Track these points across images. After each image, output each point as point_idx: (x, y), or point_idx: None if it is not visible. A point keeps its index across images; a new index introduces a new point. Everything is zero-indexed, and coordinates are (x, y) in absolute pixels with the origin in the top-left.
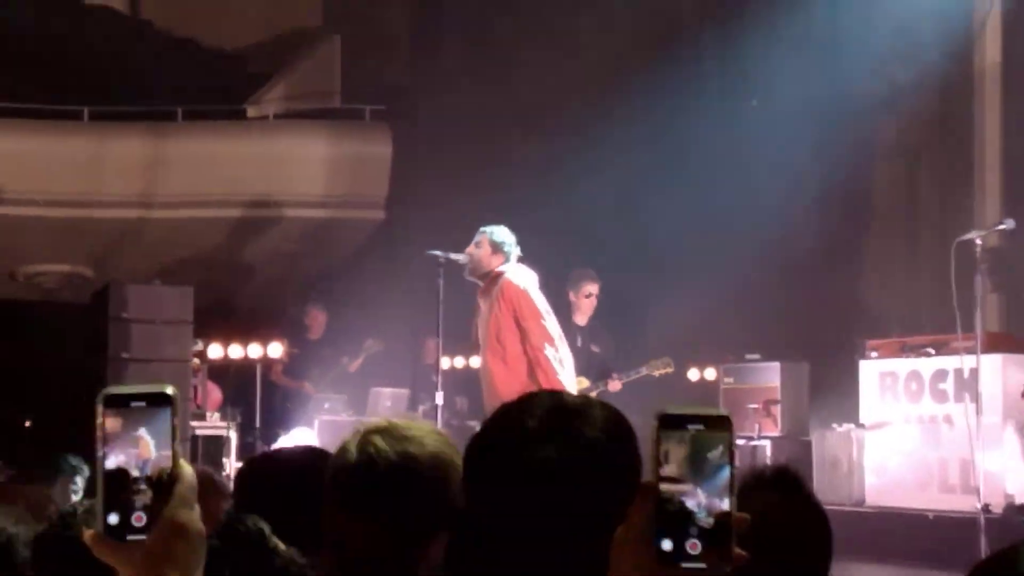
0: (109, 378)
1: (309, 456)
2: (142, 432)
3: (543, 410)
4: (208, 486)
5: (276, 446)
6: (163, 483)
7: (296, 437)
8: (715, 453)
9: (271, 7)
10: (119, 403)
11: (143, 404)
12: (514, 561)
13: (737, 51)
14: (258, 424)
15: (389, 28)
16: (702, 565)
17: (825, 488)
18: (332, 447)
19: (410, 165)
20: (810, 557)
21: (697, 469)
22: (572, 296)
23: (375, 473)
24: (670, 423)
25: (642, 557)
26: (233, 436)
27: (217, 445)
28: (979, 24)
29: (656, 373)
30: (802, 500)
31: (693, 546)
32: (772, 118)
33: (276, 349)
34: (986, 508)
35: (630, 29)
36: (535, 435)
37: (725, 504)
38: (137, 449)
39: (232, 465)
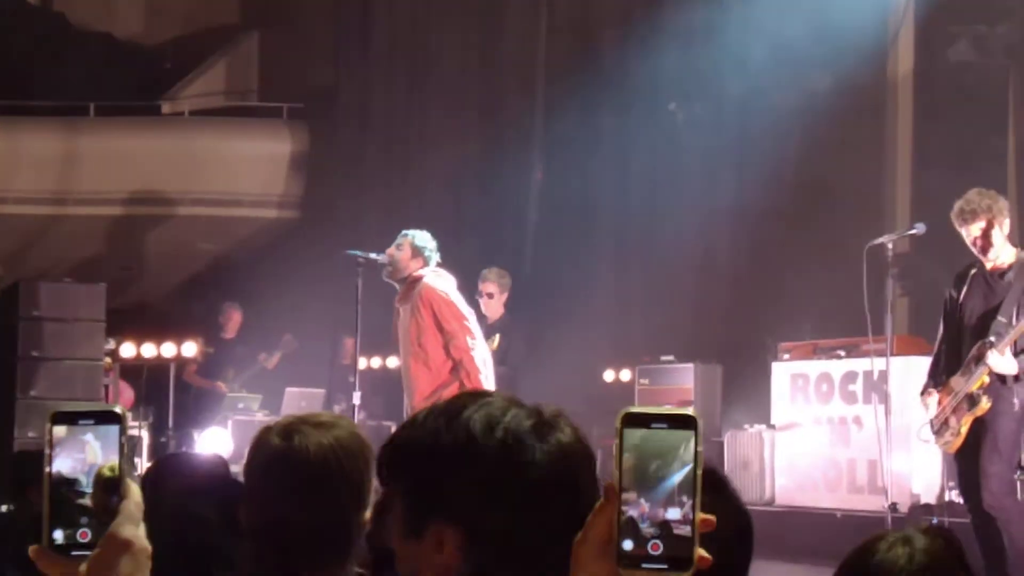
0: (19, 378)
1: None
2: (89, 438)
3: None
4: None
5: (191, 446)
6: (110, 500)
7: (210, 437)
8: (670, 456)
9: (189, 2)
10: (67, 421)
11: (91, 422)
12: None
13: (656, 56)
14: (171, 424)
15: (309, 27)
16: (664, 566)
17: (736, 488)
18: (246, 447)
19: (328, 165)
20: (733, 554)
21: (643, 476)
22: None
23: (311, 460)
24: (633, 422)
25: (605, 557)
26: (145, 436)
27: (128, 445)
28: (893, 33)
29: None
30: (727, 499)
31: (655, 547)
32: (689, 122)
33: (190, 348)
34: (893, 507)
35: (551, 34)
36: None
37: (674, 512)
38: (84, 455)
39: (144, 466)
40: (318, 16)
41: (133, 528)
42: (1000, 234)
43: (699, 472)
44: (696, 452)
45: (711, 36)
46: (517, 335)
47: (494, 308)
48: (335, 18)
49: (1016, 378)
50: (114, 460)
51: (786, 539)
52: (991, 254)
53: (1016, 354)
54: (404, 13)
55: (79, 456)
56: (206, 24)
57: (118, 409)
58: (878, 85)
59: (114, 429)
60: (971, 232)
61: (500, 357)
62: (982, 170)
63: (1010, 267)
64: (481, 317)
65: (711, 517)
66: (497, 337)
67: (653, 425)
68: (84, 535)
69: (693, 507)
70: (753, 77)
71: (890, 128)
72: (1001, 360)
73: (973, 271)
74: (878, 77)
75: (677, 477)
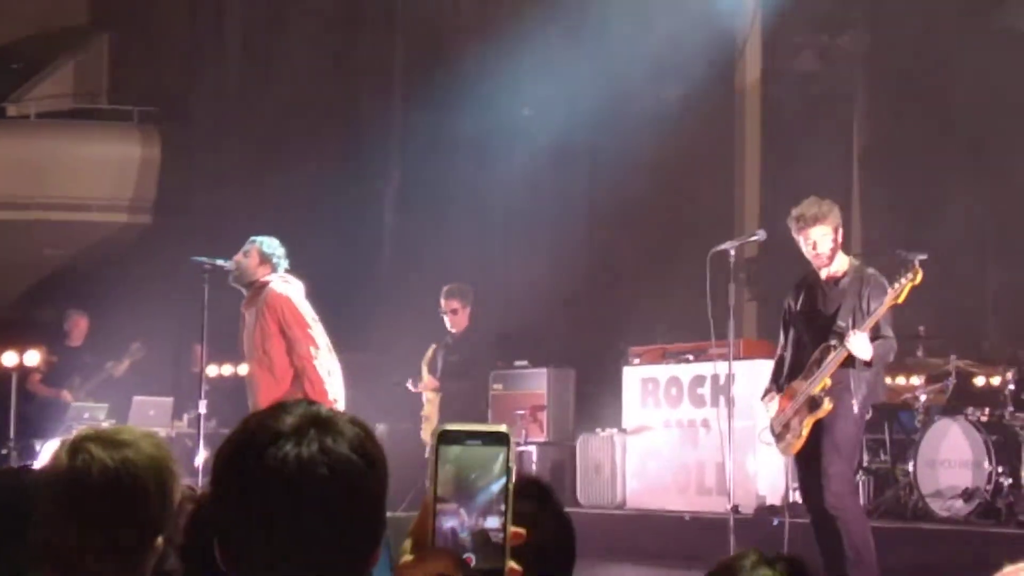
0: None
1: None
2: None
3: (296, 415)
4: None
5: (33, 457)
6: None
7: (53, 448)
8: (486, 469)
9: (37, 2)
10: None
11: None
12: (261, 566)
13: (512, 60)
14: (12, 435)
15: (161, 28)
16: None
17: (588, 492)
18: None
19: (180, 169)
20: (553, 562)
21: (464, 488)
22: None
23: (92, 481)
24: (448, 439)
25: (421, 571)
26: None
27: None
28: (741, 43)
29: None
30: (548, 509)
31: (469, 560)
32: (543, 127)
33: (33, 357)
34: (735, 509)
35: (407, 36)
36: (287, 436)
37: (493, 521)
38: None
39: None
40: (170, 18)
41: None
42: (836, 241)
43: (511, 486)
44: (508, 466)
45: (567, 43)
46: (480, 348)
47: (459, 322)
48: (188, 20)
49: (868, 364)
50: None
51: (636, 542)
52: (826, 260)
53: (872, 340)
54: (258, 15)
55: None
56: (55, 25)
57: None
58: (727, 94)
59: None
60: (811, 236)
61: (454, 373)
62: (828, 178)
63: (844, 274)
64: (447, 332)
65: (521, 530)
66: (432, 349)
67: (467, 442)
68: None
69: (505, 520)
70: (606, 84)
71: (738, 136)
72: (859, 341)
73: (810, 281)
74: (727, 86)
75: (495, 488)
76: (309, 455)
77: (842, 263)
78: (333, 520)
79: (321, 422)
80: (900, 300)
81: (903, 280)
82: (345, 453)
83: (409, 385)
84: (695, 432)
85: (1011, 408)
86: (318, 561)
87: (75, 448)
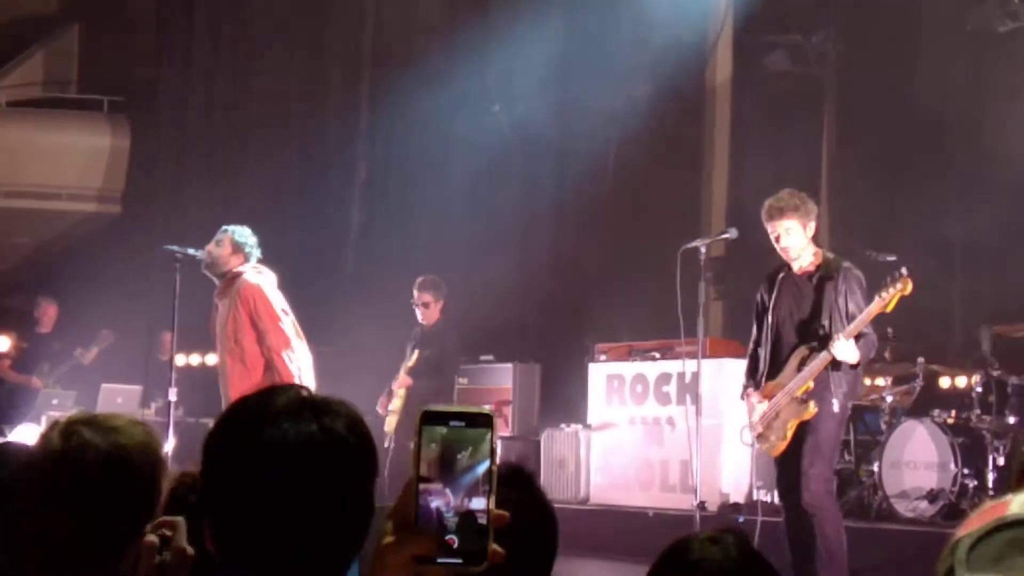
0: None
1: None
2: None
3: (290, 396)
4: None
5: None
6: None
7: (21, 433)
8: (471, 451)
9: None
10: None
11: None
12: (254, 544)
13: (481, 57)
14: None
15: (131, 19)
16: (458, 560)
17: (552, 487)
18: None
19: (150, 159)
20: (537, 549)
21: (449, 468)
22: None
23: (84, 464)
24: (432, 420)
25: (403, 551)
26: None
27: None
28: (712, 42)
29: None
30: (532, 496)
31: (451, 541)
32: (512, 124)
33: (3, 343)
34: (701, 506)
35: (377, 33)
36: (285, 415)
37: (479, 502)
38: None
39: None
40: (140, 8)
41: None
42: (804, 235)
43: (494, 467)
44: (492, 448)
45: (535, 38)
46: (451, 343)
47: (430, 315)
48: (157, 10)
49: (853, 366)
50: None
51: (600, 537)
52: (793, 253)
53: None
54: (227, 6)
55: None
56: (25, 14)
57: None
58: (697, 92)
59: None
60: (776, 228)
61: (425, 369)
62: (797, 177)
63: (816, 268)
64: (418, 325)
65: (504, 513)
66: (416, 353)
67: (451, 423)
68: None
69: (488, 501)
70: (575, 81)
71: (708, 134)
72: (845, 347)
73: (782, 274)
74: (697, 84)
75: (479, 469)
76: (309, 433)
77: (814, 257)
78: (332, 498)
79: (315, 403)
80: (888, 309)
81: (891, 290)
82: (342, 432)
83: (379, 409)
84: (660, 429)
85: (977, 411)
86: (314, 539)
87: (67, 431)
